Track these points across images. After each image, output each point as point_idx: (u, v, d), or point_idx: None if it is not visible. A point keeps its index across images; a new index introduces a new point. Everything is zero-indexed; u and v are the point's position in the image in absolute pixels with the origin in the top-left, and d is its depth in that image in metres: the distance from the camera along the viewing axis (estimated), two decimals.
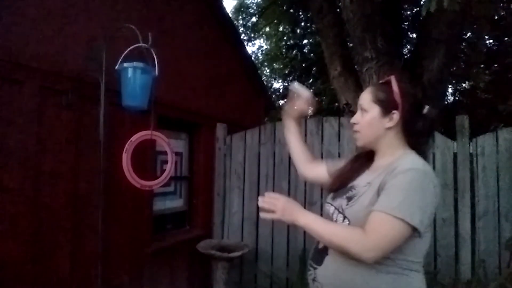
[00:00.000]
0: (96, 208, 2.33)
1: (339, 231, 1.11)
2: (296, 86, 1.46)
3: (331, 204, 1.26)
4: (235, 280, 3.56)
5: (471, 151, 3.10)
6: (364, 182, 1.20)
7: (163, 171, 2.61)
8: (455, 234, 3.06)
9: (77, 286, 2.29)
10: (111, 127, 2.46)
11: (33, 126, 2.03)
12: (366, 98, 1.23)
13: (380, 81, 1.26)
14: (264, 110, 6.15)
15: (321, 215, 1.26)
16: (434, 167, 3.16)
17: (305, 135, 3.53)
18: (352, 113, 4.70)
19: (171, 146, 2.62)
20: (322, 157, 3.37)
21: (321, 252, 1.20)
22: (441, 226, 3.09)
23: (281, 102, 10.97)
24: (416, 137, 1.20)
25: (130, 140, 2.33)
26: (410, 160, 1.14)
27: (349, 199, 1.18)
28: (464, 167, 3.08)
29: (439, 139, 3.18)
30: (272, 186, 3.59)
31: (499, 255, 2.94)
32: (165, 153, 2.65)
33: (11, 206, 1.93)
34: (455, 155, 3.12)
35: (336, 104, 6.43)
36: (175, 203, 3.60)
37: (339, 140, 3.47)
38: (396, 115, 1.17)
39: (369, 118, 1.21)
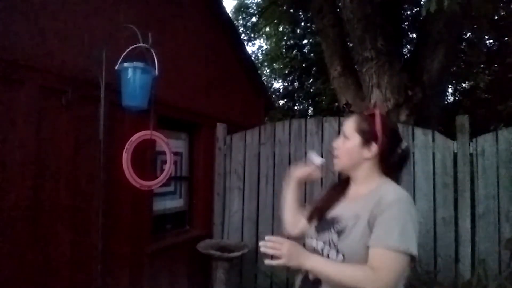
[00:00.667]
0: (96, 208, 2.33)
1: (350, 271, 1.11)
2: (313, 155, 1.49)
3: (318, 240, 1.25)
4: (235, 280, 3.56)
5: (471, 151, 3.10)
6: (349, 213, 1.21)
7: (163, 171, 2.61)
8: (455, 234, 3.06)
9: (77, 286, 2.29)
10: (111, 127, 2.46)
11: (33, 126, 2.03)
12: (350, 126, 1.28)
13: (366, 113, 1.31)
14: (264, 110, 6.15)
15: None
16: (434, 167, 3.16)
17: (305, 135, 3.53)
18: (352, 113, 4.71)
19: (169, 146, 2.62)
20: (322, 156, 3.36)
21: (314, 283, 1.20)
22: (441, 226, 3.09)
23: (281, 102, 10.98)
24: (391, 169, 1.26)
25: (130, 140, 2.34)
26: (393, 190, 1.19)
27: (339, 233, 1.18)
28: (464, 167, 3.08)
29: (439, 139, 3.18)
30: (272, 186, 3.59)
31: (499, 255, 2.94)
32: (165, 153, 2.65)
33: (11, 206, 1.93)
34: (455, 155, 3.12)
35: (336, 104, 6.43)
36: (175, 203, 3.60)
37: None
38: (374, 148, 1.23)
39: (349, 146, 1.26)
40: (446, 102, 8.19)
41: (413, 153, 3.22)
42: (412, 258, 1.10)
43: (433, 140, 3.18)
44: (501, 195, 3.00)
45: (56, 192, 2.17)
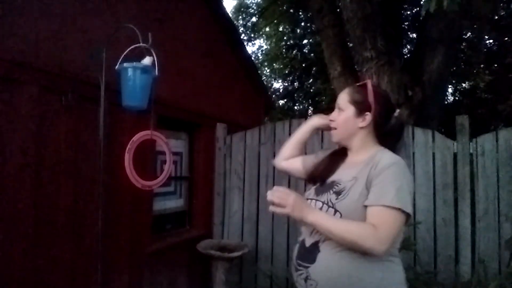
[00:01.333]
0: (96, 208, 2.32)
1: (352, 227, 1.14)
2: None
3: (317, 200, 1.30)
4: (235, 280, 3.56)
5: (471, 151, 3.10)
6: (348, 176, 1.27)
7: (163, 171, 2.61)
8: (455, 234, 3.06)
9: (77, 286, 2.29)
10: (111, 127, 2.46)
11: (33, 126, 2.03)
12: (343, 98, 1.34)
13: (357, 84, 1.37)
14: (264, 110, 6.15)
15: None
16: (434, 167, 3.16)
17: None
18: None
19: (169, 146, 2.62)
20: None
21: (311, 250, 1.23)
22: (441, 226, 3.09)
23: (281, 102, 10.98)
24: (386, 137, 1.31)
25: (132, 140, 2.33)
26: (389, 155, 1.25)
27: (338, 193, 1.24)
28: (464, 167, 3.08)
29: (439, 139, 3.18)
30: (272, 186, 3.58)
31: (499, 255, 2.94)
32: (165, 153, 2.65)
33: (11, 206, 1.93)
34: (455, 155, 3.12)
35: None
36: (175, 203, 3.60)
37: None
38: (368, 116, 1.29)
39: (344, 117, 1.32)
40: (446, 102, 8.19)
41: (413, 153, 3.22)
42: (407, 217, 1.16)
43: (433, 140, 3.18)
44: (501, 195, 3.00)
45: (56, 192, 2.17)
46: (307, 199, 1.35)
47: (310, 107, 10.76)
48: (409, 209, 1.15)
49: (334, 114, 1.37)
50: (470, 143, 3.10)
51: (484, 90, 8.54)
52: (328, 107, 8.99)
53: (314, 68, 9.60)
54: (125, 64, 2.22)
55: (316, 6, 5.17)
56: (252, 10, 10.79)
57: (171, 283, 3.23)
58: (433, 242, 3.10)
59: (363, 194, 1.18)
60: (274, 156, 3.78)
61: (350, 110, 1.31)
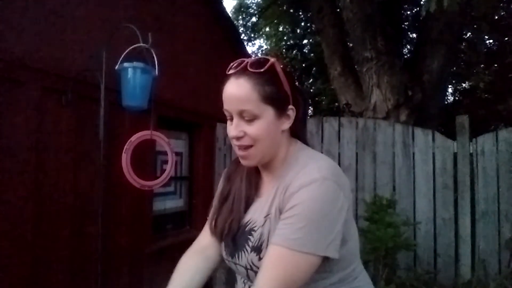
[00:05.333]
0: (96, 208, 2.33)
1: None
2: None
3: (237, 264, 0.95)
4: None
5: (471, 151, 3.10)
6: (261, 215, 0.90)
7: (163, 171, 2.61)
8: (455, 234, 3.06)
9: (77, 286, 2.29)
10: (111, 127, 2.46)
11: (33, 126, 2.03)
12: (250, 98, 0.85)
13: (259, 69, 0.86)
14: None
15: None
16: (434, 167, 3.16)
17: None
18: (352, 113, 4.72)
19: (171, 146, 2.62)
20: None
21: None
22: (441, 226, 3.09)
23: None
24: (300, 126, 0.95)
25: (129, 140, 2.33)
26: (303, 171, 0.85)
27: (258, 250, 0.87)
28: (464, 167, 3.08)
29: (439, 139, 3.18)
30: None
31: (499, 255, 2.94)
32: (165, 153, 2.65)
33: (10, 205, 1.93)
34: (455, 155, 3.12)
35: (336, 104, 6.43)
36: (175, 203, 3.60)
37: (339, 140, 3.46)
38: (292, 112, 0.90)
39: (264, 126, 0.86)
40: (446, 102, 8.19)
41: (413, 153, 3.22)
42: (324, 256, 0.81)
43: (433, 140, 3.18)
44: (501, 195, 3.00)
45: (56, 192, 2.17)
46: (226, 261, 1.01)
47: (310, 107, 10.75)
48: (324, 251, 0.79)
49: (241, 127, 0.88)
50: (470, 143, 3.10)
51: (484, 90, 8.54)
52: (328, 107, 9.01)
53: (314, 68, 9.60)
54: (125, 64, 2.22)
55: (316, 6, 5.17)
56: (252, 10, 10.78)
57: None
58: (433, 242, 3.10)
59: None
60: None
61: (269, 112, 0.86)
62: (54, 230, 2.16)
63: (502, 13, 6.74)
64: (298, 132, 0.95)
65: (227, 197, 1.02)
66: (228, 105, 0.91)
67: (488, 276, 2.76)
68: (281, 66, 0.89)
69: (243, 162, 0.93)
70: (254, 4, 10.69)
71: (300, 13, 8.96)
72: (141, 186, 2.39)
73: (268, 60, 0.87)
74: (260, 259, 0.86)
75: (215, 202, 1.07)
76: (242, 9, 10.75)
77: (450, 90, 9.19)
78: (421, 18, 4.00)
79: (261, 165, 0.95)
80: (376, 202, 2.80)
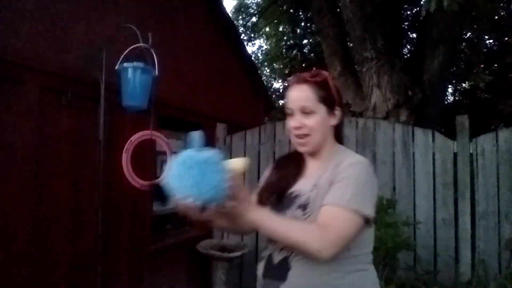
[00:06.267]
0: (96, 208, 2.33)
1: (296, 227, 1.03)
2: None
3: None
4: (235, 280, 3.56)
5: (471, 151, 3.09)
6: (309, 186, 1.13)
7: (163, 171, 2.61)
8: (455, 234, 3.06)
9: (77, 286, 2.29)
10: (111, 127, 2.46)
11: (33, 126, 2.03)
12: (309, 98, 1.14)
13: (317, 79, 1.17)
14: (264, 110, 6.15)
15: None
16: (434, 167, 3.16)
17: None
18: (352, 113, 4.72)
19: (170, 146, 2.62)
20: None
21: (280, 267, 1.10)
22: (441, 226, 3.09)
23: (281, 102, 10.98)
24: (340, 131, 1.24)
25: (130, 140, 2.33)
26: (352, 154, 1.18)
27: (303, 207, 1.09)
28: (464, 167, 3.07)
29: (439, 139, 3.18)
30: None
31: (499, 255, 2.94)
32: (165, 153, 2.65)
33: (10, 205, 1.93)
34: (455, 155, 3.11)
35: None
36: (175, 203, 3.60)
37: None
38: (338, 112, 1.18)
39: (319, 119, 1.14)
40: (446, 102, 8.19)
41: (413, 153, 3.22)
42: (367, 220, 1.05)
43: (433, 140, 3.18)
44: (501, 195, 2.99)
45: (56, 192, 2.17)
46: None
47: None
48: (368, 212, 1.04)
49: (301, 120, 1.15)
50: (470, 143, 3.09)
51: (484, 90, 8.54)
52: None
53: (314, 68, 9.57)
54: (125, 64, 2.22)
55: (316, 6, 5.17)
56: (252, 10, 10.78)
57: (171, 283, 3.23)
58: (433, 242, 3.09)
59: None
60: (274, 156, 3.79)
61: (322, 110, 1.14)
62: (53, 229, 2.16)
63: (502, 13, 6.74)
64: (339, 131, 1.23)
65: (275, 176, 1.26)
66: (292, 103, 1.17)
67: (488, 276, 2.76)
68: (334, 80, 1.20)
69: (300, 148, 1.18)
70: (254, 4, 10.69)
71: (300, 13, 8.96)
72: (140, 186, 2.40)
73: (322, 73, 1.19)
74: (304, 214, 1.08)
75: (262, 181, 1.32)
76: (242, 9, 10.74)
77: (450, 90, 9.19)
78: (421, 18, 4.00)
79: (310, 154, 1.20)
80: (376, 202, 2.80)
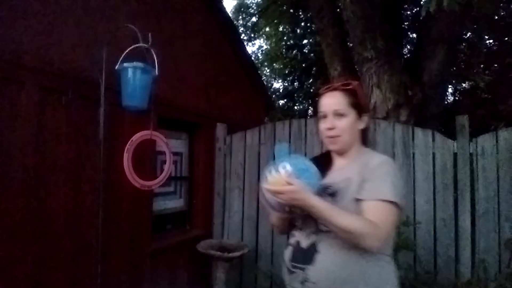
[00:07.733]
0: (96, 208, 2.33)
1: (355, 221, 1.13)
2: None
3: None
4: (235, 280, 3.56)
5: (471, 151, 3.09)
6: (339, 178, 1.27)
7: (163, 171, 2.62)
8: (455, 234, 3.06)
9: (77, 286, 2.29)
10: (111, 127, 2.46)
11: (33, 126, 2.03)
12: (341, 102, 1.30)
13: (348, 87, 1.32)
14: (264, 110, 6.15)
15: None
16: (434, 167, 3.16)
17: (305, 135, 3.53)
18: None
19: (169, 146, 2.62)
20: None
21: (308, 251, 1.22)
22: (441, 226, 3.09)
23: (281, 102, 10.98)
24: (367, 136, 1.38)
25: (131, 140, 2.34)
26: (378, 154, 1.33)
27: (333, 195, 1.23)
28: (464, 167, 3.07)
29: (439, 139, 3.18)
30: None
31: (499, 255, 2.94)
32: (165, 153, 2.65)
33: (10, 205, 1.93)
34: (455, 155, 3.11)
35: None
36: (175, 203, 3.60)
37: None
38: (366, 117, 1.34)
39: (349, 122, 1.30)
40: (446, 102, 8.18)
41: (413, 153, 3.22)
42: (399, 212, 1.20)
43: (433, 140, 3.18)
44: (501, 195, 2.99)
45: (56, 192, 2.17)
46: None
47: (310, 107, 10.74)
48: (403, 202, 1.20)
49: (333, 122, 1.30)
50: (470, 143, 3.09)
51: (484, 90, 8.53)
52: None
53: (314, 68, 9.59)
54: (125, 64, 2.22)
55: (316, 6, 5.17)
56: (252, 10, 10.78)
57: (171, 283, 3.23)
58: (433, 242, 3.09)
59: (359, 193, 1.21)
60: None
61: (352, 114, 1.30)
62: (54, 229, 2.16)
63: (502, 13, 6.74)
64: (366, 135, 1.36)
65: None
66: (325, 107, 1.32)
67: (488, 276, 2.76)
68: (361, 88, 1.36)
69: (332, 147, 1.35)
70: (254, 4, 10.69)
71: (300, 13, 8.95)
72: (141, 186, 2.40)
73: (352, 82, 1.34)
74: (332, 200, 1.20)
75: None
76: (242, 9, 10.75)
77: (450, 90, 9.18)
78: (421, 18, 3.99)
79: (339, 153, 1.35)
80: None
